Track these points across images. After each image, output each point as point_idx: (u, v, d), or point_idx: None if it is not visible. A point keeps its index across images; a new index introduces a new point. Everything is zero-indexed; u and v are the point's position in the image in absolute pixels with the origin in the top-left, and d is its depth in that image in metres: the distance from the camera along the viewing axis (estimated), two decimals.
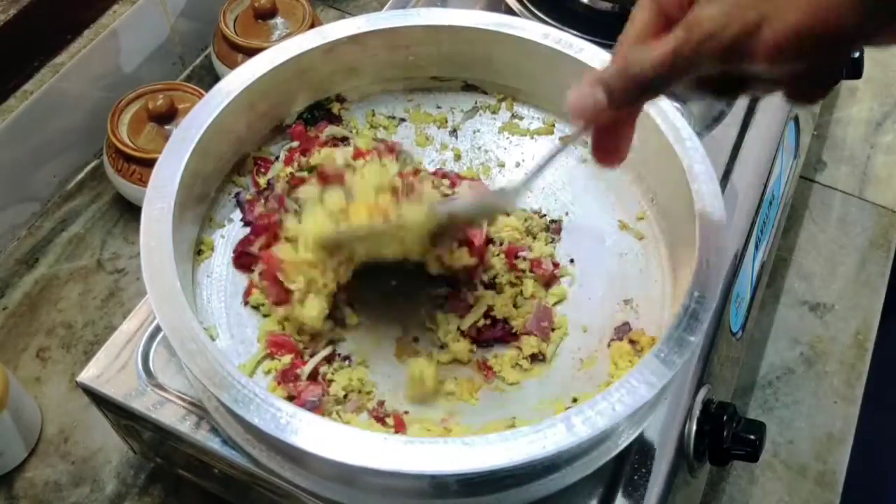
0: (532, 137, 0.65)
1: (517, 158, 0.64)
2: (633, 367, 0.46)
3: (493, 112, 0.67)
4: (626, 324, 0.54)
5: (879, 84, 0.96)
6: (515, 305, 0.55)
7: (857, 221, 0.85)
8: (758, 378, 0.74)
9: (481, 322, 0.54)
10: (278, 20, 0.84)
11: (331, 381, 0.51)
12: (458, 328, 0.54)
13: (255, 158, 0.62)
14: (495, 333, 0.54)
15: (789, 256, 0.82)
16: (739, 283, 0.62)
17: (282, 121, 0.63)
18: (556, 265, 0.57)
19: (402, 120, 0.66)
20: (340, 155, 0.57)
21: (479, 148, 0.65)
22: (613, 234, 0.59)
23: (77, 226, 0.78)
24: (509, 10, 0.75)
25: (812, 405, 0.72)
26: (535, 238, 0.59)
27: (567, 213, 0.61)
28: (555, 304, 0.56)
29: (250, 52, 0.75)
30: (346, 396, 0.51)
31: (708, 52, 0.36)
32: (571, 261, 0.58)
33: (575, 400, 0.51)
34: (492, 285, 0.56)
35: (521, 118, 0.66)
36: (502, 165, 0.64)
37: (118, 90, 0.78)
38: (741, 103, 0.69)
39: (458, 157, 0.64)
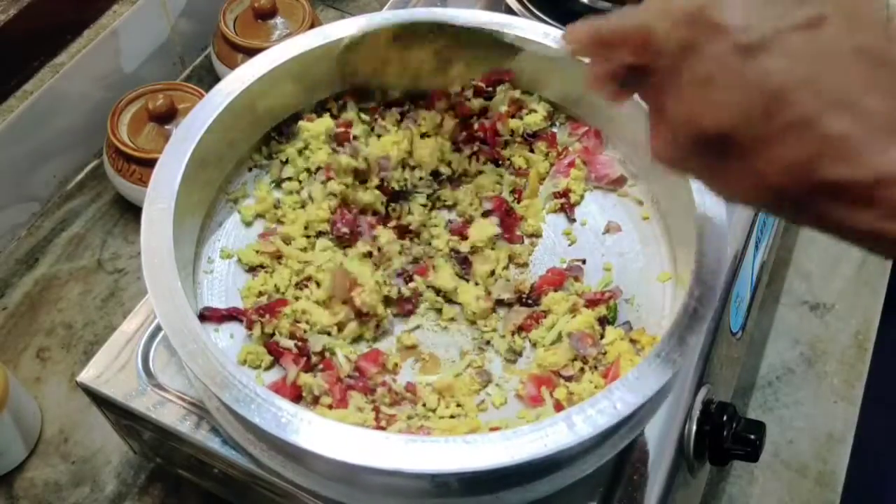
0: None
1: None
2: (633, 366, 0.46)
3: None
4: (627, 322, 0.54)
5: None
6: None
7: None
8: (758, 378, 0.74)
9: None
10: (278, 20, 0.84)
11: None
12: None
13: None
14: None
15: (789, 256, 0.82)
16: (739, 283, 0.62)
17: (282, 121, 0.63)
18: None
19: None
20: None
21: None
22: (614, 233, 0.59)
23: (77, 226, 0.78)
24: (509, 10, 0.75)
25: (812, 405, 0.72)
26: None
27: None
28: None
29: (250, 52, 0.75)
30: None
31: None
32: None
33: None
34: None
35: (521, 118, 0.66)
36: None
37: (118, 90, 0.78)
38: None
39: None
